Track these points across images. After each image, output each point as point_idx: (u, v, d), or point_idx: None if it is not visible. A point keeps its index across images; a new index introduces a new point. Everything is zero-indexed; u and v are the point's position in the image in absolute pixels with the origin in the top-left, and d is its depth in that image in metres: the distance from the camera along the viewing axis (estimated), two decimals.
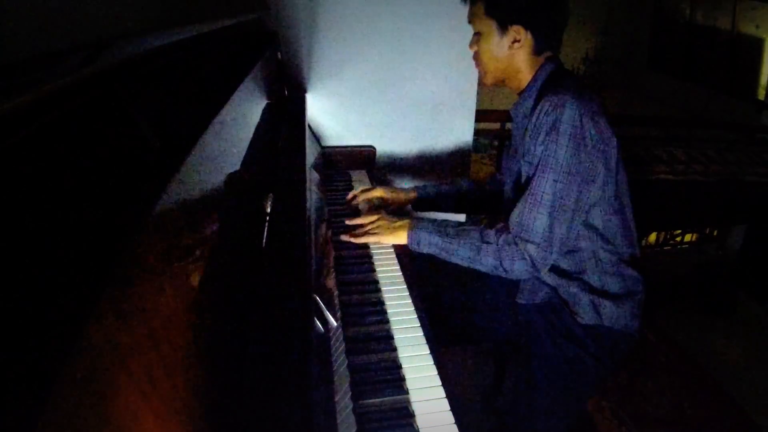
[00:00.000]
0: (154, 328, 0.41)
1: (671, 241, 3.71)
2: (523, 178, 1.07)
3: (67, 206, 0.40)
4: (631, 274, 1.11)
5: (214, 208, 0.66)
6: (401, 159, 1.91)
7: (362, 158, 1.82)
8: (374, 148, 1.83)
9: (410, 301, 1.06)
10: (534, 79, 1.09)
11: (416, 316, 1.02)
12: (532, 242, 1.00)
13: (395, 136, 1.86)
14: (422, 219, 1.15)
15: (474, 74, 1.82)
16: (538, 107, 1.00)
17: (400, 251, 1.23)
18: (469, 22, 1.11)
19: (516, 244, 1.02)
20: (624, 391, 1.35)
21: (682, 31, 6.02)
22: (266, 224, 0.85)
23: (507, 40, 1.06)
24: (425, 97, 1.82)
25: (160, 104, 0.70)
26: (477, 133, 2.01)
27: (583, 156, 0.97)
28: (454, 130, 1.90)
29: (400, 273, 1.15)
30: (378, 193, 1.41)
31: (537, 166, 1.00)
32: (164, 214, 0.47)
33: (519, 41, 1.06)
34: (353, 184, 1.63)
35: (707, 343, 2.49)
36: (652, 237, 3.64)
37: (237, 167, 0.83)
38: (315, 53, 1.67)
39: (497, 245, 1.03)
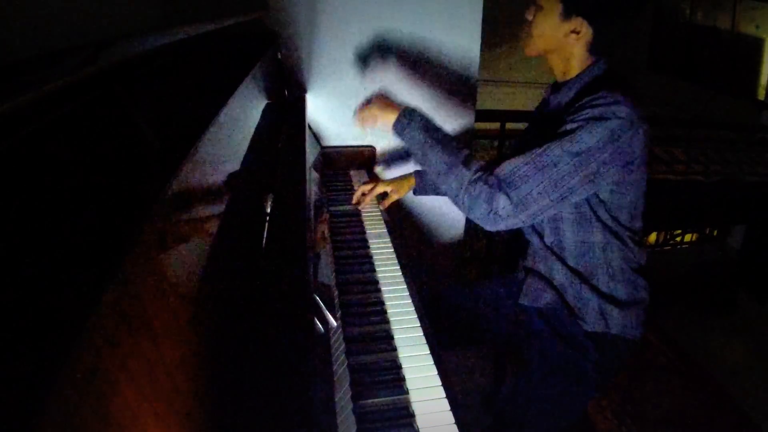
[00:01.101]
0: (154, 327, 0.41)
1: (671, 241, 3.71)
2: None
3: (67, 206, 0.40)
4: (638, 281, 1.11)
5: (214, 208, 0.66)
6: (401, 159, 1.90)
7: (362, 158, 1.82)
8: (374, 148, 1.83)
9: (410, 301, 1.06)
10: (583, 74, 1.06)
11: (416, 316, 1.02)
12: (507, 196, 0.96)
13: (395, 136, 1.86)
14: (418, 112, 1.12)
15: (474, 74, 1.82)
16: (591, 96, 0.97)
17: (401, 253, 1.23)
18: None
19: (489, 186, 0.98)
20: (624, 391, 1.35)
21: (682, 31, 6.02)
22: (266, 224, 0.85)
23: (566, 27, 1.03)
24: (425, 97, 1.81)
25: (160, 104, 0.70)
26: (477, 133, 2.01)
27: (605, 157, 0.94)
28: (454, 130, 1.90)
29: (400, 273, 1.15)
30: (381, 189, 1.43)
31: (558, 136, 0.96)
32: (164, 213, 0.47)
33: (578, 33, 1.03)
34: (353, 184, 1.63)
35: (707, 343, 2.49)
36: (652, 237, 3.64)
37: (237, 167, 0.83)
38: (315, 53, 1.67)
39: (470, 177, 0.99)
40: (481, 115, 2.30)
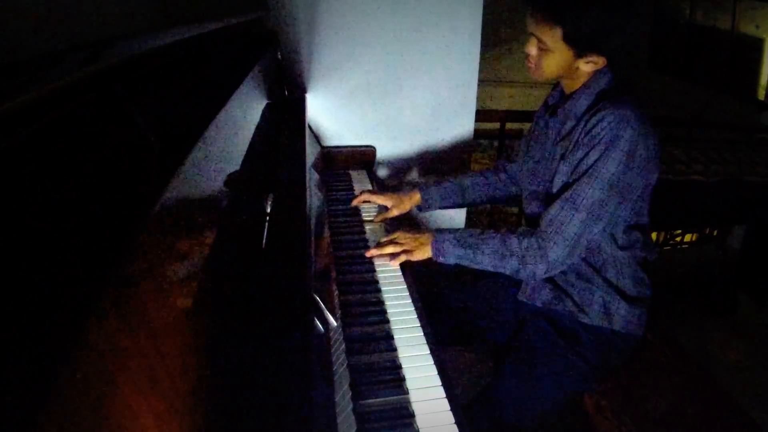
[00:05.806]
0: (154, 327, 0.41)
1: (671, 241, 3.72)
2: (560, 179, 1.07)
3: (67, 206, 0.40)
4: (643, 278, 1.13)
5: (215, 208, 0.66)
6: (401, 159, 1.91)
7: (362, 158, 1.82)
8: (374, 148, 1.83)
9: (410, 301, 1.06)
10: (590, 83, 1.06)
11: (416, 316, 1.02)
12: (557, 243, 1.02)
13: (395, 136, 1.86)
14: (442, 231, 1.14)
15: (474, 74, 1.82)
16: (598, 116, 0.99)
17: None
18: (531, 31, 1.04)
19: (539, 247, 1.03)
20: (624, 391, 1.35)
21: (682, 31, 6.01)
22: (266, 224, 0.85)
23: (581, 61, 1.03)
24: (425, 97, 1.82)
25: (160, 104, 0.70)
26: (477, 133, 2.01)
27: (629, 175, 0.98)
28: (454, 130, 1.90)
29: (400, 273, 1.15)
30: (381, 200, 1.41)
31: (585, 173, 1.00)
32: (164, 214, 0.47)
33: (594, 63, 1.03)
34: (353, 184, 1.63)
35: (707, 343, 2.49)
36: (653, 237, 3.64)
37: (237, 167, 0.83)
38: (315, 53, 1.67)
39: (520, 250, 1.05)
40: (481, 115, 2.31)
